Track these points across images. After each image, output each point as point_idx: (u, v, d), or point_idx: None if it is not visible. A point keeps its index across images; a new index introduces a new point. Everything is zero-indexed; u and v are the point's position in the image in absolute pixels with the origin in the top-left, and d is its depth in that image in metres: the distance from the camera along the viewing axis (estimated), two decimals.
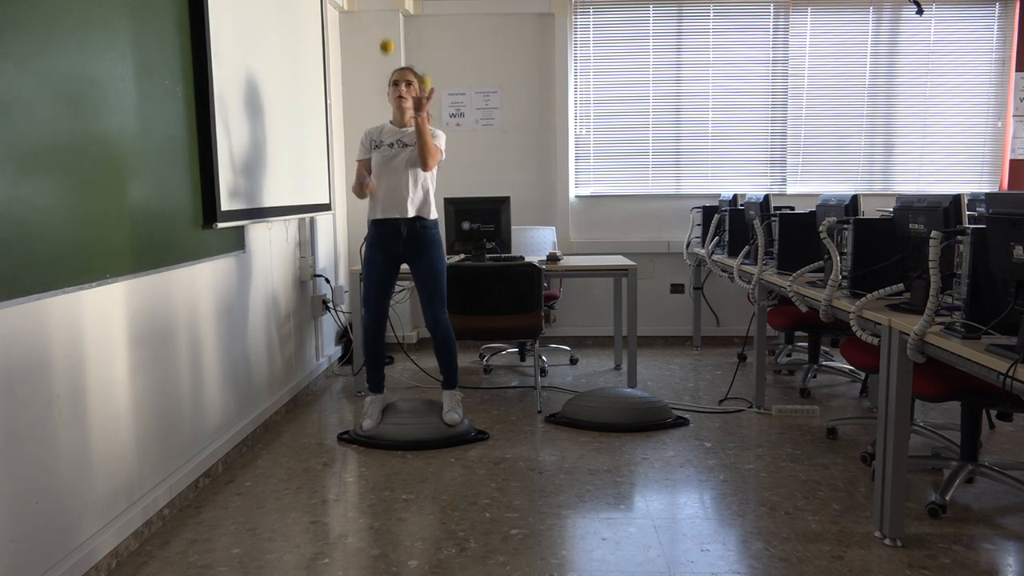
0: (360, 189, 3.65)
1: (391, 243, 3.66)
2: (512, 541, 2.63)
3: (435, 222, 3.74)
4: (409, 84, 3.63)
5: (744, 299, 5.81)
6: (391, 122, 3.74)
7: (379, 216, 3.67)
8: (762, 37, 5.64)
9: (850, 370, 4.64)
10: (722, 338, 5.86)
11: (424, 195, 3.68)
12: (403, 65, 4.11)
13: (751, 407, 4.16)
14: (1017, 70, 5.64)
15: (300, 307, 4.48)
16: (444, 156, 3.69)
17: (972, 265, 2.23)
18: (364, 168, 3.70)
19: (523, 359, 5.37)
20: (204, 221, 3.12)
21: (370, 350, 3.78)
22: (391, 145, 3.64)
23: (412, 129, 3.62)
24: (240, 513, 2.89)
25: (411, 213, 3.62)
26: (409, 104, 3.59)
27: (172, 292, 2.92)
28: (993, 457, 3.37)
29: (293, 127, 4.15)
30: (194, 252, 3.05)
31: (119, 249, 2.51)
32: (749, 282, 3.98)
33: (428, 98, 3.48)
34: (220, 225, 3.18)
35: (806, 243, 3.62)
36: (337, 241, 5.34)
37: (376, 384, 3.83)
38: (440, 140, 3.64)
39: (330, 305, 4.94)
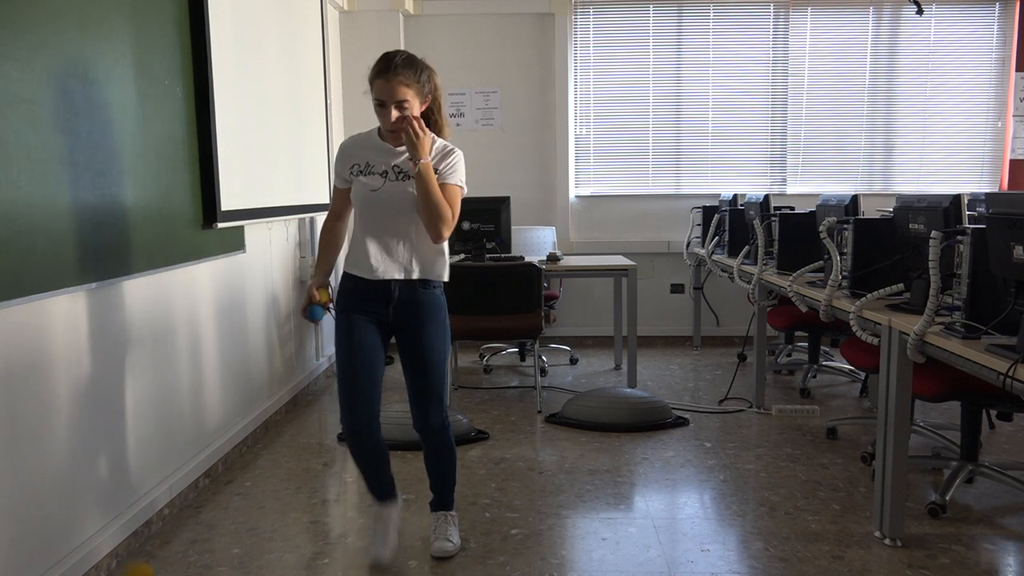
0: (328, 233, 2.54)
1: (374, 305, 2.42)
2: (512, 541, 2.63)
3: (442, 284, 2.48)
4: (404, 105, 2.24)
5: (744, 299, 5.80)
6: (380, 136, 2.38)
7: (362, 274, 2.40)
8: (762, 37, 5.64)
9: (850, 370, 4.64)
10: (722, 338, 5.86)
11: (436, 247, 2.41)
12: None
13: (751, 407, 4.16)
14: (1017, 70, 5.63)
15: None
16: (466, 190, 2.42)
17: (972, 265, 2.23)
18: (341, 201, 2.45)
19: (523, 359, 5.37)
20: (204, 221, 3.12)
21: (363, 461, 2.49)
22: (383, 174, 2.34)
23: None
24: (240, 513, 2.89)
25: (411, 274, 2.39)
26: (415, 144, 2.25)
27: (172, 292, 2.92)
28: (993, 457, 3.37)
29: (293, 127, 4.15)
30: (194, 252, 3.05)
31: (119, 249, 2.51)
32: (749, 282, 3.98)
33: (422, 133, 2.24)
34: (220, 225, 3.18)
35: (806, 243, 3.62)
36: None
37: (382, 491, 2.54)
38: (456, 171, 2.36)
39: (330, 305, 4.93)
